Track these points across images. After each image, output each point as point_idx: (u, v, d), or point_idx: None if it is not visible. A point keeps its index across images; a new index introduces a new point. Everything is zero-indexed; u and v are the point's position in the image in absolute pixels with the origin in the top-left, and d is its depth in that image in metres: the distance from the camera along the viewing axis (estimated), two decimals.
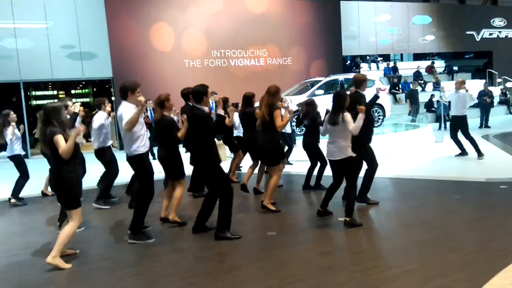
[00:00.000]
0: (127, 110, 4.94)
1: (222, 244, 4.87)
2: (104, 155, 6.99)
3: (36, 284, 4.17)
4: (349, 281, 3.83)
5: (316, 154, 7.29)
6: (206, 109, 4.98)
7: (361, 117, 5.22)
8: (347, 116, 5.27)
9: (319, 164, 7.35)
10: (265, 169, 6.84)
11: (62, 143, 4.24)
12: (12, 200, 7.46)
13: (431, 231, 5.01)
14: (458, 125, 9.56)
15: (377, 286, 3.72)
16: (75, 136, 4.30)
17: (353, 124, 5.20)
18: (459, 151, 9.79)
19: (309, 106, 7.20)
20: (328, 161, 5.58)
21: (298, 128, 10.59)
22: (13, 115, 7.36)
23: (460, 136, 9.58)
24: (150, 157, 6.21)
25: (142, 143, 5.13)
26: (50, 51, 14.49)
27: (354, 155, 5.36)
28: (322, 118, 6.76)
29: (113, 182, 7.20)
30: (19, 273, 4.44)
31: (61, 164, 4.33)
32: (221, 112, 6.56)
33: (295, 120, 9.17)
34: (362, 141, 5.86)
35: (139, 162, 5.14)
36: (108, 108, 7.10)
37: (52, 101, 18.58)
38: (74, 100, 7.72)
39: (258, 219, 6.01)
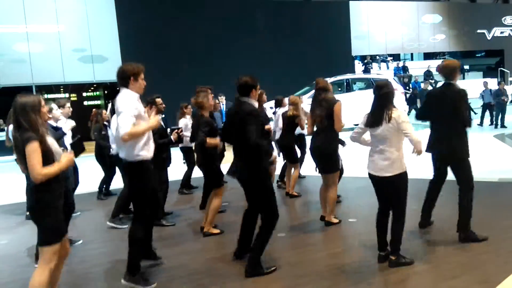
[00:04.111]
0: (128, 101, 3.58)
1: (232, 245, 4.86)
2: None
3: None
4: (361, 282, 3.82)
5: None
6: (256, 103, 4.08)
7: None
8: (398, 114, 4.04)
9: None
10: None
11: (36, 161, 2.88)
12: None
13: (443, 231, 4.96)
14: None
15: (388, 287, 3.70)
16: (65, 165, 3.11)
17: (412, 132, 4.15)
18: None
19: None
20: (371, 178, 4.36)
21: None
22: None
23: None
24: None
25: (143, 144, 3.70)
26: (61, 55, 14.68)
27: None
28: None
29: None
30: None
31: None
32: None
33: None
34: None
35: (137, 172, 3.74)
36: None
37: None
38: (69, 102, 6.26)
39: None
